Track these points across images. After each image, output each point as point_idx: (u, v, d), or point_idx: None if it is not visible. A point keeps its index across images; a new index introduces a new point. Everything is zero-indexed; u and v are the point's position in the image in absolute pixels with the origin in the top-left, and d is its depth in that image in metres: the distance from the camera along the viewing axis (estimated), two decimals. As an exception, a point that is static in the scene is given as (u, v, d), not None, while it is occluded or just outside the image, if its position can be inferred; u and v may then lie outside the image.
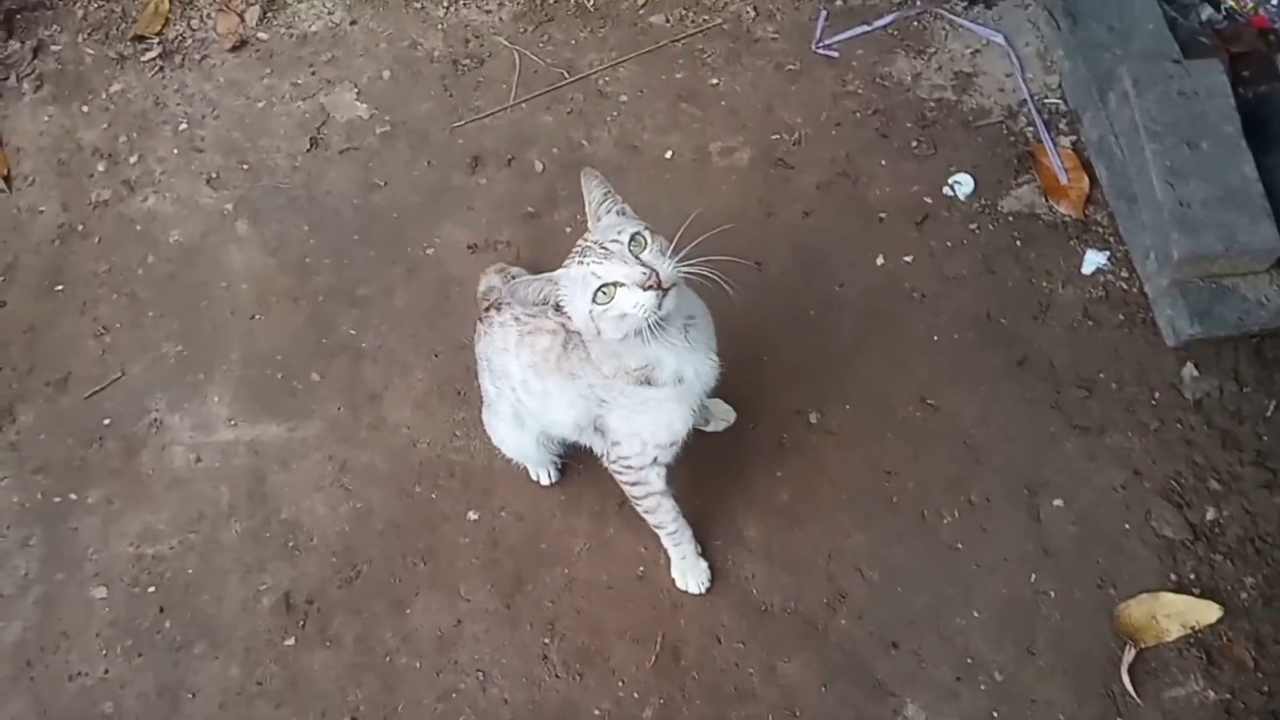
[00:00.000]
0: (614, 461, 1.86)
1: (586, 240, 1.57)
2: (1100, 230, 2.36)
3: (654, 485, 1.88)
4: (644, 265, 1.50)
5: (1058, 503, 2.09)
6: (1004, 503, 2.10)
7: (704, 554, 2.08)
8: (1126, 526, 2.06)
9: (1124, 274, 2.30)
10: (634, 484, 1.89)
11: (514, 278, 2.10)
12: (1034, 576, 2.03)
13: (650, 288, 1.49)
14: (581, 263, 1.53)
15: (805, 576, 2.07)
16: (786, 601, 2.06)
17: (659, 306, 1.51)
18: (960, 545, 2.07)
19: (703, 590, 2.05)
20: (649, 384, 1.69)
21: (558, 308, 1.58)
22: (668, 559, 2.10)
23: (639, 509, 1.95)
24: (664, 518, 1.95)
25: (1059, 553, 2.05)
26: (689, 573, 2.05)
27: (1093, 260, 2.31)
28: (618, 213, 1.61)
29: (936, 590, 2.04)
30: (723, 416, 2.21)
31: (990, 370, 2.23)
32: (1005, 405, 2.19)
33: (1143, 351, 2.21)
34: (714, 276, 1.55)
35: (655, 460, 1.83)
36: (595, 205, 1.61)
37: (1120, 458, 2.12)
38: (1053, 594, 2.01)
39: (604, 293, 1.51)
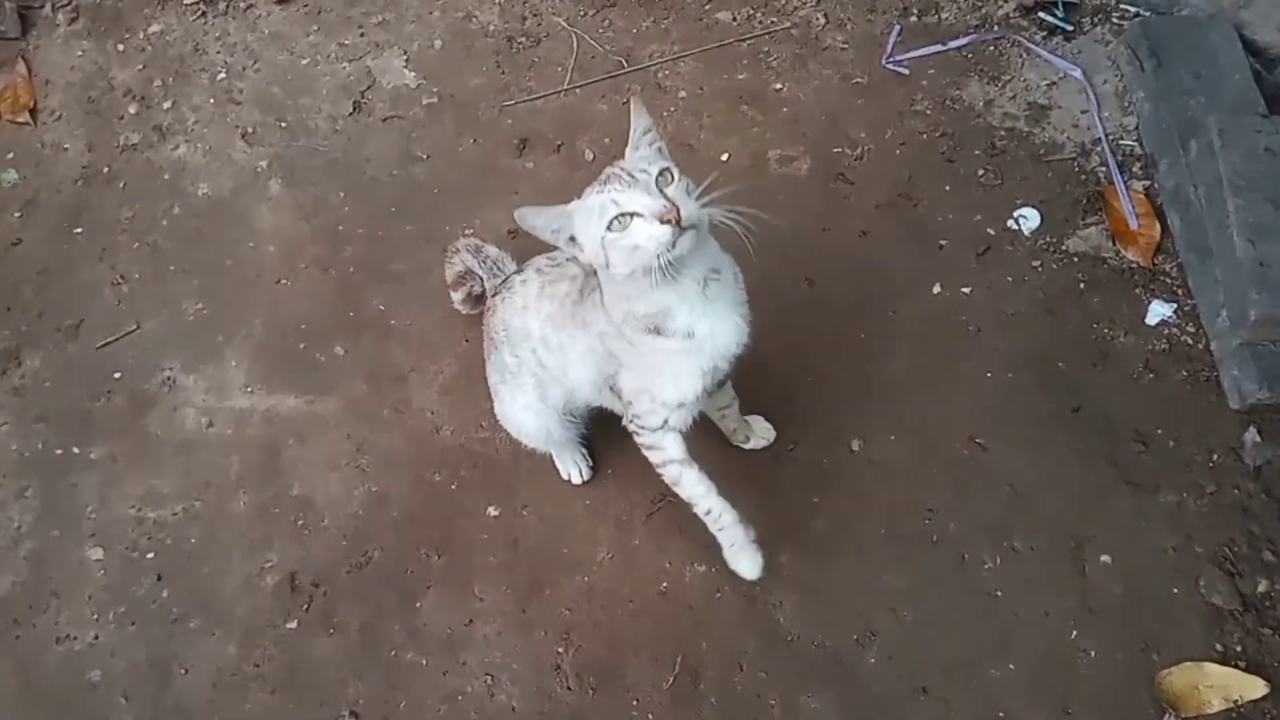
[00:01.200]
0: (630, 421, 1.79)
1: (615, 167, 1.51)
2: (1168, 281, 2.28)
3: (670, 452, 1.78)
4: (666, 199, 1.44)
5: (1105, 559, 2.01)
6: (1049, 554, 2.02)
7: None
8: (1175, 590, 1.98)
9: (1190, 329, 2.22)
10: (650, 448, 1.80)
11: (487, 258, 2.14)
12: (1075, 633, 1.95)
13: (668, 222, 1.42)
14: (602, 190, 1.48)
15: (836, 610, 1.99)
16: (815, 634, 1.97)
17: (673, 245, 1.44)
18: (1000, 593, 1.99)
19: (755, 576, 1.86)
20: (658, 333, 1.60)
21: (572, 239, 1.53)
22: (694, 575, 2.02)
23: (669, 484, 1.83)
24: (692, 491, 1.81)
25: (1103, 611, 1.96)
26: (739, 556, 1.87)
27: (1158, 311, 2.23)
28: (656, 149, 1.53)
29: (972, 638, 1.95)
30: (763, 435, 2.12)
31: (1043, 415, 2.15)
32: (1057, 453, 2.11)
33: (1204, 411, 2.13)
34: (738, 225, 1.47)
35: (666, 422, 1.74)
36: (638, 135, 1.54)
37: (1173, 519, 2.04)
38: (1093, 653, 1.93)
39: (619, 221, 1.45)
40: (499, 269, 2.12)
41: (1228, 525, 2.02)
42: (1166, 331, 2.22)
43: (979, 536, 2.04)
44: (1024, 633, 1.95)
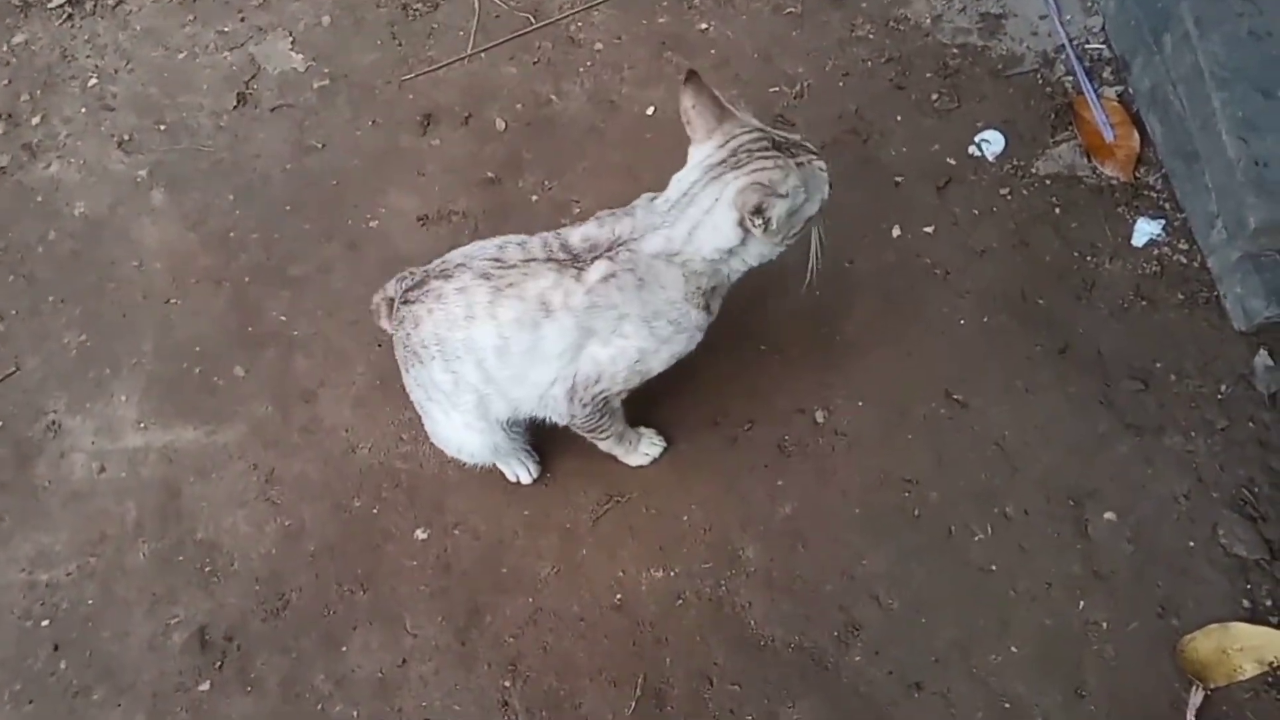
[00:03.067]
0: (585, 406, 1.66)
1: (762, 131, 1.52)
2: (1153, 195, 2.03)
3: (618, 415, 1.76)
4: None
5: (1109, 516, 1.78)
6: (1045, 517, 1.79)
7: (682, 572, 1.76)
8: (1190, 544, 1.75)
9: (1183, 246, 1.97)
10: (600, 423, 1.72)
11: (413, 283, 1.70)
12: (1082, 604, 1.72)
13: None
14: (801, 158, 1.50)
15: (812, 605, 1.76)
16: (790, 635, 1.74)
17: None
18: (994, 567, 1.76)
19: (655, 455, 1.89)
20: (707, 310, 1.61)
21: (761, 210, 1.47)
22: (650, 582, 1.80)
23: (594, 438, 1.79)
24: (619, 426, 1.79)
25: (1111, 576, 1.73)
26: (640, 448, 1.88)
27: (1145, 230, 1.99)
28: None
29: (967, 621, 1.72)
30: None
31: (1026, 360, 1.91)
32: (1045, 401, 1.87)
33: (1207, 337, 1.89)
34: None
35: (623, 392, 1.69)
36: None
37: (1182, 463, 1.80)
38: (1105, 625, 1.70)
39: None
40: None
41: (1244, 463, 1.79)
42: (1156, 252, 1.98)
43: (966, 505, 1.81)
44: (1025, 609, 1.73)
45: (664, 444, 1.89)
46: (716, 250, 1.53)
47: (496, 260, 1.57)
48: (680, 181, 1.55)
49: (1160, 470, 1.80)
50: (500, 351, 1.57)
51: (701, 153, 1.53)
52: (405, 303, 1.64)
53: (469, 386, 1.63)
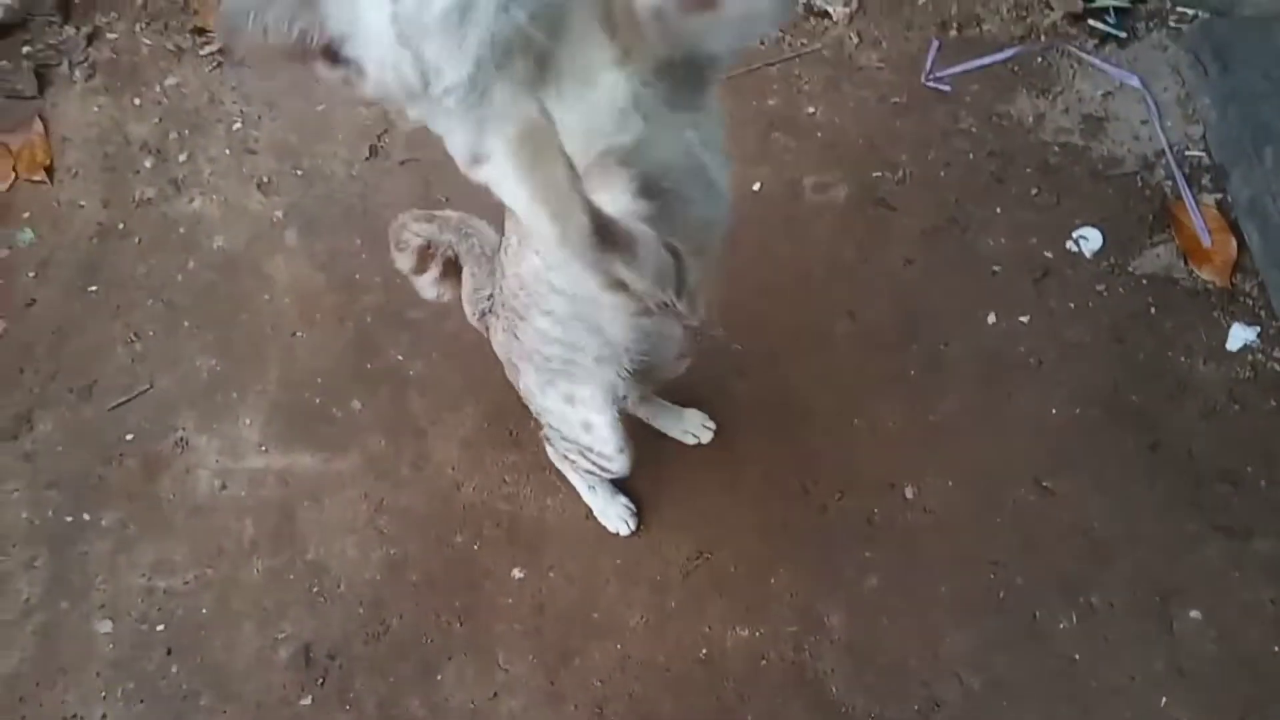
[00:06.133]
0: None
1: None
2: (1249, 302, 2.08)
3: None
4: None
5: (1195, 614, 1.81)
6: (1131, 610, 1.82)
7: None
8: (1276, 649, 1.76)
9: (1277, 354, 2.01)
10: None
11: (446, 222, 1.67)
12: (1165, 700, 1.74)
13: None
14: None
15: (894, 678, 1.80)
16: (871, 705, 1.79)
17: None
18: (1078, 656, 1.79)
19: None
20: None
21: None
22: (735, 640, 1.86)
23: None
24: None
25: (1195, 674, 1.76)
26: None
27: (1239, 335, 2.03)
28: None
29: (1048, 708, 1.75)
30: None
31: (1117, 454, 1.95)
32: (1134, 496, 1.91)
33: (1299, 445, 1.92)
34: None
35: None
36: None
37: (1270, 567, 1.82)
38: (1186, 723, 1.72)
39: None
40: (468, 229, 1.68)
41: (1334, 573, 1.81)
42: (1251, 357, 2.02)
43: (1051, 592, 1.85)
44: (1107, 701, 1.75)
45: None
46: None
47: None
48: None
49: (1248, 573, 1.83)
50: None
51: None
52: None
53: (570, 329, 1.37)
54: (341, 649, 1.92)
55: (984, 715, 1.76)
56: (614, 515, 1.95)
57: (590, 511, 1.97)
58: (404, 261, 1.71)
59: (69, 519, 2.10)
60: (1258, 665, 1.76)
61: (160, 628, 1.98)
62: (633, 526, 1.96)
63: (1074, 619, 1.82)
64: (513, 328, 1.49)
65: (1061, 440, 1.99)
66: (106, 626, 1.99)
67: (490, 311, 1.63)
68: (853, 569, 1.91)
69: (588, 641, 1.89)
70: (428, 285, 1.74)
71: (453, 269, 1.71)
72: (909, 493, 1.97)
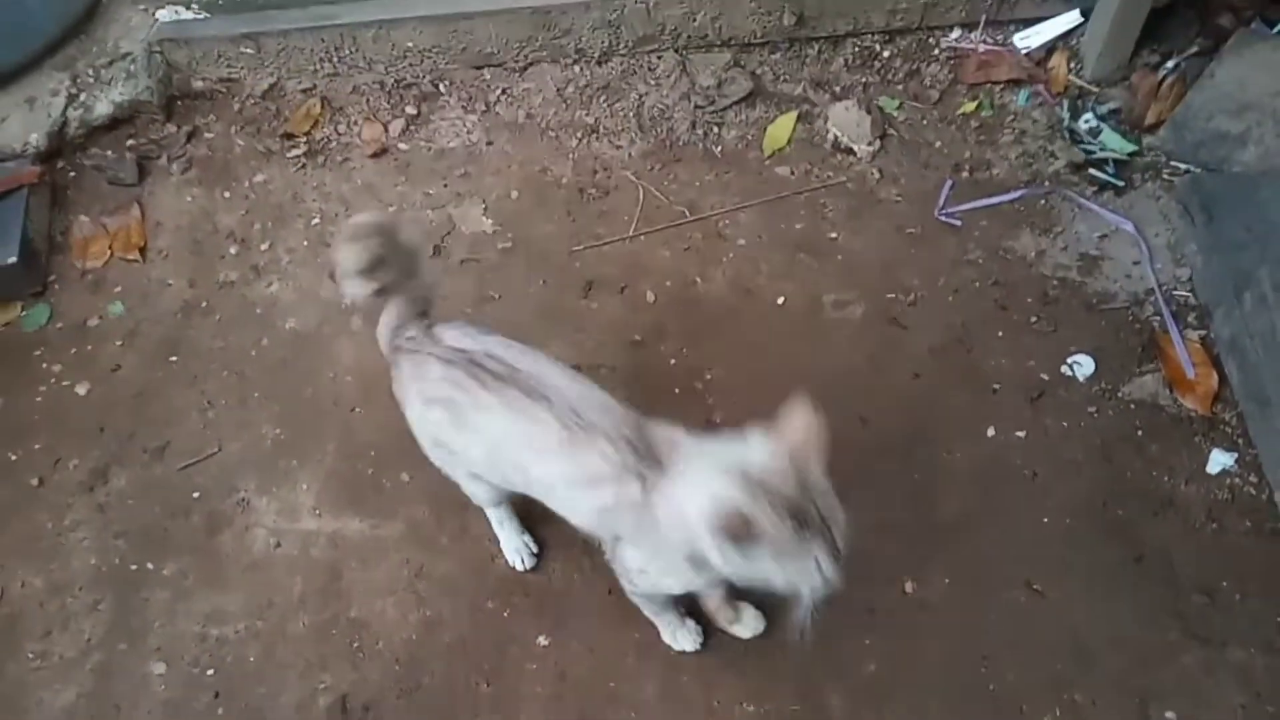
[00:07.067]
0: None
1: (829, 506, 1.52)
2: (1228, 430, 2.26)
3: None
4: None
5: (1170, 715, 1.93)
6: (1112, 709, 1.95)
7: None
8: (1248, 754, 1.88)
9: (1253, 479, 2.18)
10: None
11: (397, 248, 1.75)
12: (1142, 796, 1.86)
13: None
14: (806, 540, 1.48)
15: (889, 759, 1.93)
16: (866, 784, 1.91)
17: None
18: (1061, 750, 1.91)
19: (686, 648, 2.05)
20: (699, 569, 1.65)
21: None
22: (742, 715, 2.00)
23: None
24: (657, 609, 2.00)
25: (1171, 773, 1.88)
26: (678, 635, 2.05)
27: (1219, 460, 2.21)
28: None
29: (1032, 797, 1.87)
30: (750, 623, 2.09)
31: (1104, 564, 2.11)
32: (1118, 603, 2.06)
33: (1270, 564, 2.07)
34: None
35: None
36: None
37: (1242, 676, 1.95)
38: (1163, 820, 1.83)
39: None
40: (412, 269, 1.83)
41: (1303, 686, 1.93)
42: (1229, 481, 2.19)
43: (1038, 687, 1.98)
44: (1088, 793, 1.87)
45: (700, 643, 2.04)
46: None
47: (503, 360, 1.74)
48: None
49: (1221, 681, 1.95)
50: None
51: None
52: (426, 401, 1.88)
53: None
54: (376, 702, 2.07)
55: (972, 801, 1.88)
56: (512, 550, 2.17)
57: (612, 588, 2.13)
58: (350, 257, 1.72)
59: (133, 567, 2.30)
60: (1231, 769, 1.87)
61: (210, 672, 2.14)
62: (529, 564, 2.16)
63: (1058, 714, 1.94)
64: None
65: (1052, 547, 2.14)
66: (160, 668, 2.16)
67: (402, 349, 1.86)
68: (853, 655, 2.05)
69: (604, 709, 2.03)
70: (356, 289, 1.77)
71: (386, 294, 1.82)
72: (909, 587, 2.12)
